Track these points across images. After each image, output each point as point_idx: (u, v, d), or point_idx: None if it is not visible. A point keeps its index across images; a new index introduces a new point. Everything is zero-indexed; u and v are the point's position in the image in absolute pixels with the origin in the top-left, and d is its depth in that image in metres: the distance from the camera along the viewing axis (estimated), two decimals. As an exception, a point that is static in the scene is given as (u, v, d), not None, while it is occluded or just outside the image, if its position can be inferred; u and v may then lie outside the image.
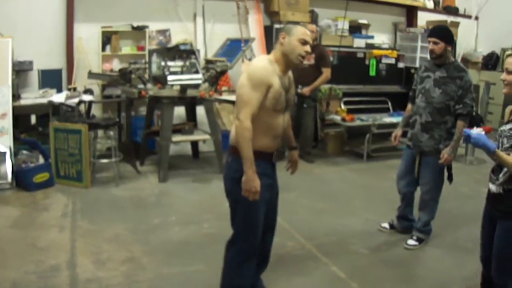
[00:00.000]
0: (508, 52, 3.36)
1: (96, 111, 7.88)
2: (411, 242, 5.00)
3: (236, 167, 3.29)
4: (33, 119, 7.65)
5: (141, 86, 7.10)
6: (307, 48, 3.35)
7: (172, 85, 6.99)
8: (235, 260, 3.55)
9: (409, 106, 5.18)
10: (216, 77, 7.25)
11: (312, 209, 6.08)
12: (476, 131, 3.02)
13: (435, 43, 4.69)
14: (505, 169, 3.10)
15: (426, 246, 5.04)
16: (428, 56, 4.94)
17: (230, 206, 3.52)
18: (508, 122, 3.24)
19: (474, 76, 11.45)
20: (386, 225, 5.46)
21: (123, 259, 4.57)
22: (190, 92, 7.05)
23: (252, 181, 3.21)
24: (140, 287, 4.10)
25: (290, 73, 3.50)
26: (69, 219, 5.48)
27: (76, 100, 6.77)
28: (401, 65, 10.44)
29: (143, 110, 8.29)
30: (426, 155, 4.93)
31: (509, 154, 3.02)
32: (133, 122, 7.89)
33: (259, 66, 3.30)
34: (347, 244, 5.11)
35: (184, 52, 8.33)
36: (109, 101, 7.70)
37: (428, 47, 4.81)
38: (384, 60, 10.15)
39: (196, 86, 7.17)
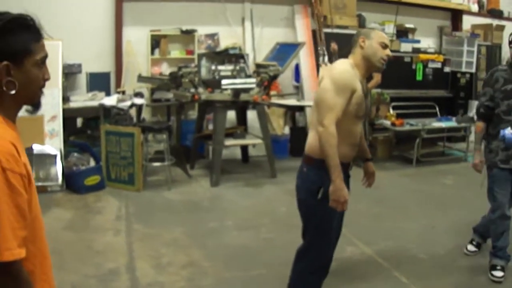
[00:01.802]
0: None
1: (145, 114, 7.82)
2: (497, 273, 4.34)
3: (313, 178, 3.17)
4: (78, 121, 7.65)
5: (192, 90, 7.01)
6: (388, 51, 3.24)
7: (225, 89, 6.90)
8: (305, 271, 3.41)
9: (482, 124, 4.41)
10: (269, 81, 7.14)
11: (368, 214, 5.91)
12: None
13: None
14: None
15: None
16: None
17: (303, 217, 3.36)
18: None
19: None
20: (471, 247, 4.89)
21: (183, 263, 4.45)
22: (243, 96, 6.96)
23: (341, 190, 3.04)
24: (203, 292, 3.98)
25: (364, 81, 3.36)
26: (124, 222, 5.41)
27: (128, 103, 6.72)
28: (447, 69, 10.23)
29: (192, 114, 8.24)
30: None
31: None
32: (182, 126, 7.81)
33: (343, 69, 3.17)
34: (406, 249, 4.94)
35: (233, 56, 8.33)
36: (160, 104, 7.64)
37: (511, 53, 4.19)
38: (430, 65, 9.96)
39: (247, 90, 7.07)
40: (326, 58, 7.12)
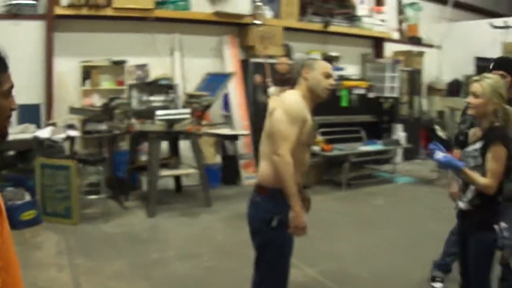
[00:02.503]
0: (474, 78, 3.46)
1: (76, 146, 7.73)
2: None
3: (267, 208, 3.25)
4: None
5: (125, 121, 7.05)
6: (331, 80, 3.37)
7: (158, 120, 6.97)
8: None
9: (458, 152, 4.29)
10: (202, 111, 7.27)
11: (304, 237, 6.11)
12: (442, 154, 3.38)
13: (502, 76, 4.08)
14: (472, 187, 3.37)
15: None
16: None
17: (256, 248, 3.43)
18: (471, 144, 3.50)
19: (439, 102, 11.89)
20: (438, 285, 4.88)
21: (131, 295, 4.50)
22: (177, 127, 7.05)
23: (301, 217, 3.19)
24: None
25: None
26: (66, 257, 5.35)
27: (63, 135, 6.67)
28: (371, 95, 10.68)
29: (123, 146, 8.21)
30: None
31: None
32: (115, 157, 7.78)
33: (295, 100, 3.30)
34: (348, 269, 5.23)
35: (163, 87, 8.37)
36: (93, 136, 7.61)
37: None
38: (355, 91, 10.37)
39: (180, 121, 7.18)
40: (274, 89, 7.31)
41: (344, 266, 5.28)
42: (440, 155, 3.36)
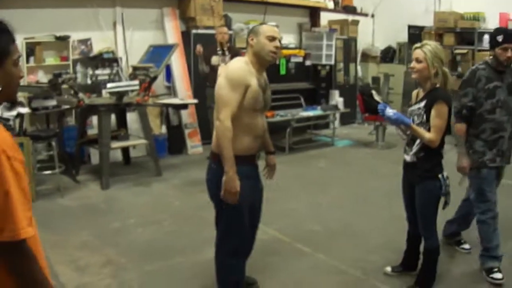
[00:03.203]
0: (415, 45, 3.69)
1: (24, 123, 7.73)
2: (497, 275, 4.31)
3: (221, 173, 3.33)
4: None
5: (73, 95, 7.09)
6: (277, 43, 3.41)
7: (109, 93, 7.06)
8: (226, 257, 3.66)
9: (464, 126, 4.29)
10: (150, 82, 7.38)
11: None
12: (392, 111, 3.72)
13: None
14: (418, 141, 3.79)
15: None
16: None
17: (216, 208, 3.60)
18: (415, 103, 3.90)
19: (374, 69, 12.37)
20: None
21: (102, 262, 4.68)
22: (126, 99, 7.15)
23: (233, 181, 3.27)
24: (131, 285, 4.27)
25: (265, 74, 3.56)
26: (29, 232, 5.42)
27: (14, 112, 6.65)
28: (308, 63, 11.08)
29: (70, 121, 8.24)
30: None
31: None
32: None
33: (237, 67, 3.38)
34: (302, 225, 5.64)
35: (107, 61, 8.42)
36: (41, 112, 7.61)
37: (500, 53, 4.13)
38: (293, 59, 10.74)
39: (127, 93, 7.29)
40: (227, 58, 7.44)
41: (299, 222, 5.68)
42: (390, 112, 3.70)
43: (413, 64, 3.79)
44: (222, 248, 3.67)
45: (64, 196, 6.61)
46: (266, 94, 3.53)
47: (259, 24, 3.57)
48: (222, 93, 3.32)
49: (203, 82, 8.23)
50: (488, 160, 4.24)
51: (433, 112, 3.68)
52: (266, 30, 3.41)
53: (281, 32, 10.49)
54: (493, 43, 4.18)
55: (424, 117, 3.74)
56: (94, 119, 7.84)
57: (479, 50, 10.44)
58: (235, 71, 3.36)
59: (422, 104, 3.78)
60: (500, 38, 4.12)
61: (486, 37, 10.26)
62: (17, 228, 1.63)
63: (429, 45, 3.74)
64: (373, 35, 13.01)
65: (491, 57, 4.24)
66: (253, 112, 3.41)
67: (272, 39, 3.38)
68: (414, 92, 4.09)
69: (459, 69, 10.69)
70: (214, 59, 7.76)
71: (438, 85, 3.77)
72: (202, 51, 7.78)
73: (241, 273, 3.79)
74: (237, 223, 3.55)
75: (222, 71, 3.49)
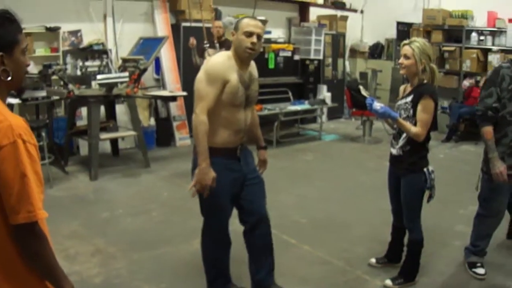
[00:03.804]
0: (404, 42, 3.72)
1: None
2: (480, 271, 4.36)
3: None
4: None
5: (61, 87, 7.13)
6: (253, 39, 3.30)
7: (98, 84, 7.09)
8: (210, 244, 3.75)
9: (490, 129, 4.03)
10: (139, 74, 7.41)
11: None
12: (379, 105, 3.81)
13: None
14: (404, 135, 3.88)
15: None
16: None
17: (199, 197, 3.57)
18: (402, 98, 4.00)
19: (362, 64, 12.48)
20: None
21: (91, 252, 4.74)
22: (115, 91, 7.19)
23: (205, 174, 3.26)
24: (120, 274, 4.33)
25: (253, 70, 3.54)
26: (18, 221, 5.47)
27: (4, 103, 6.67)
28: (296, 57, 11.17)
29: (59, 112, 8.26)
30: None
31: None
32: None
33: (217, 61, 3.35)
34: (288, 216, 5.73)
35: (97, 52, 8.45)
36: (31, 103, 7.64)
37: None
38: (281, 54, 10.80)
39: (117, 84, 7.33)
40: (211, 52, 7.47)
41: (286, 214, 5.76)
42: (377, 106, 3.79)
43: (401, 60, 3.88)
44: (206, 234, 3.75)
45: (53, 186, 6.64)
46: (250, 90, 3.48)
47: (243, 18, 3.46)
48: (199, 86, 3.32)
49: (192, 74, 8.23)
50: (508, 167, 4.01)
51: (419, 106, 3.78)
52: (244, 26, 3.32)
53: (270, 26, 10.70)
54: None
55: (411, 111, 3.84)
56: (84, 111, 7.87)
57: (467, 48, 10.57)
58: (214, 66, 3.34)
59: (409, 98, 3.87)
60: None
61: (474, 35, 10.43)
62: (33, 209, 1.70)
63: (417, 42, 3.83)
64: (362, 31, 13.09)
65: None
66: (231, 107, 3.38)
67: (249, 35, 3.29)
68: (402, 87, 4.19)
69: (447, 66, 10.84)
70: (211, 52, 7.79)
71: (425, 81, 3.86)
72: (196, 44, 7.82)
73: (223, 262, 3.83)
74: (215, 211, 3.62)
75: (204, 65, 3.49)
